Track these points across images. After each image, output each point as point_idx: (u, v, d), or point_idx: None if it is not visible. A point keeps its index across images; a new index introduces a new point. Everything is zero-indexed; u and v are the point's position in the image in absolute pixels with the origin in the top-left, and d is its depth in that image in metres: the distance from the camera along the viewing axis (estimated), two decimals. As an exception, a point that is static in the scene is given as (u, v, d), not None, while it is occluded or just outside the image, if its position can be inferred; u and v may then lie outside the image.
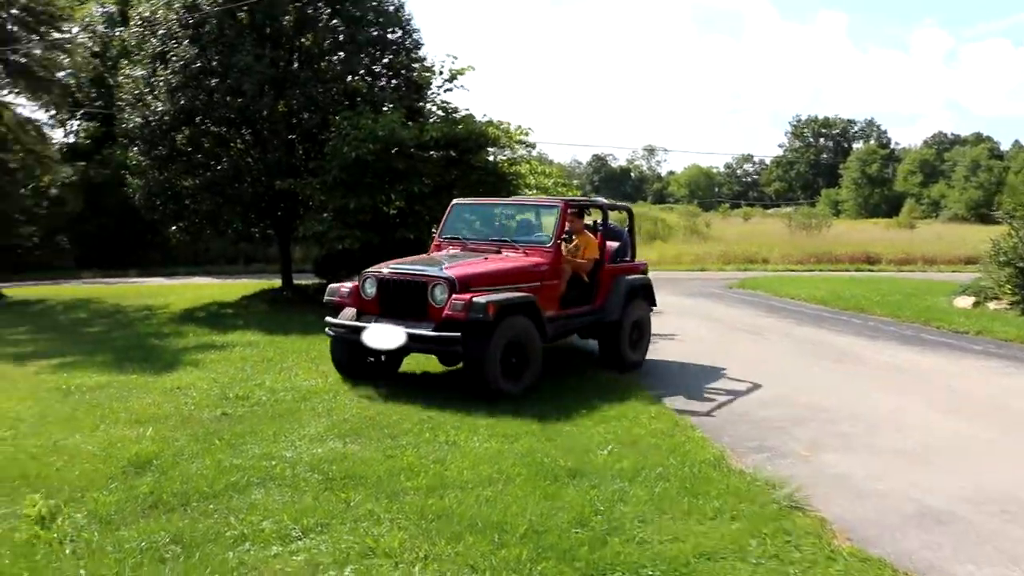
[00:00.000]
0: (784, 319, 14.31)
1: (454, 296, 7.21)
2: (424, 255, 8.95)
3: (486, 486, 5.07)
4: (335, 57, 14.82)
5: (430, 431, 6.29)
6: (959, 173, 75.09)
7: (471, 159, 13.88)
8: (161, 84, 13.98)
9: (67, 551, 4.09)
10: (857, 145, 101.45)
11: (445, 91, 14.78)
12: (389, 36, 15.34)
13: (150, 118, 14.22)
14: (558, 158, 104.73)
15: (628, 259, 9.73)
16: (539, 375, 7.75)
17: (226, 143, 14.88)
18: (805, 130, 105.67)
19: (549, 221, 8.82)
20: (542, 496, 4.91)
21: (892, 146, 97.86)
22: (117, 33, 26.81)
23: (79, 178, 25.33)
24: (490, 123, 13.80)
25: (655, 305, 9.82)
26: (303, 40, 14.75)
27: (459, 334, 7.16)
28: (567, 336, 9.30)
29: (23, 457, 5.65)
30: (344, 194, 13.11)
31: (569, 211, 8.65)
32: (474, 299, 7.09)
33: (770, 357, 10.31)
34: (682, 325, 13.02)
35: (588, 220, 9.59)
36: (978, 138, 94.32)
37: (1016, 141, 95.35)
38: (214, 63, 13.69)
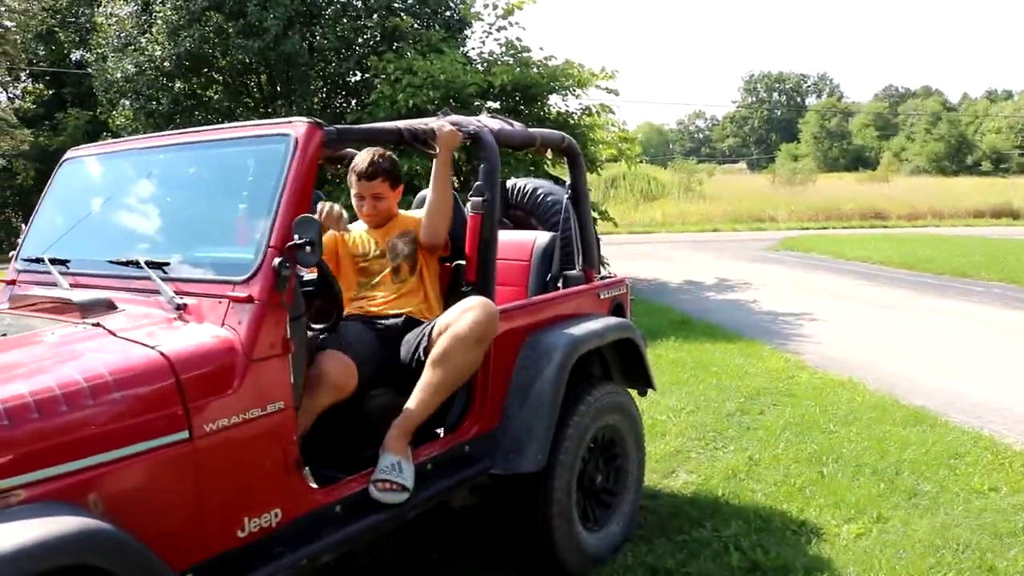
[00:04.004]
0: (892, 288, 12.33)
1: None
2: None
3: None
4: (364, -11, 12.33)
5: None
6: (920, 126, 74.37)
7: (540, 109, 11.62)
8: (159, 23, 11.36)
9: None
10: (811, 100, 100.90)
11: (498, 29, 12.32)
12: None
13: (144, 66, 11.60)
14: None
15: (577, 269, 3.86)
16: None
17: (241, 95, 12.32)
18: (758, 85, 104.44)
19: (266, 188, 2.57)
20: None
21: (844, 100, 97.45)
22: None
23: (30, 147, 22.29)
24: (569, 64, 11.47)
25: (651, 386, 3.95)
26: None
27: None
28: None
29: None
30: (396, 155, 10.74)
31: (370, 166, 3.28)
32: None
33: (966, 345, 8.32)
34: (797, 301, 11.00)
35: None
36: (927, 91, 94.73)
37: (965, 93, 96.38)
38: (225, -5, 11.10)
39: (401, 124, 3.18)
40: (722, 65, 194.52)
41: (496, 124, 3.52)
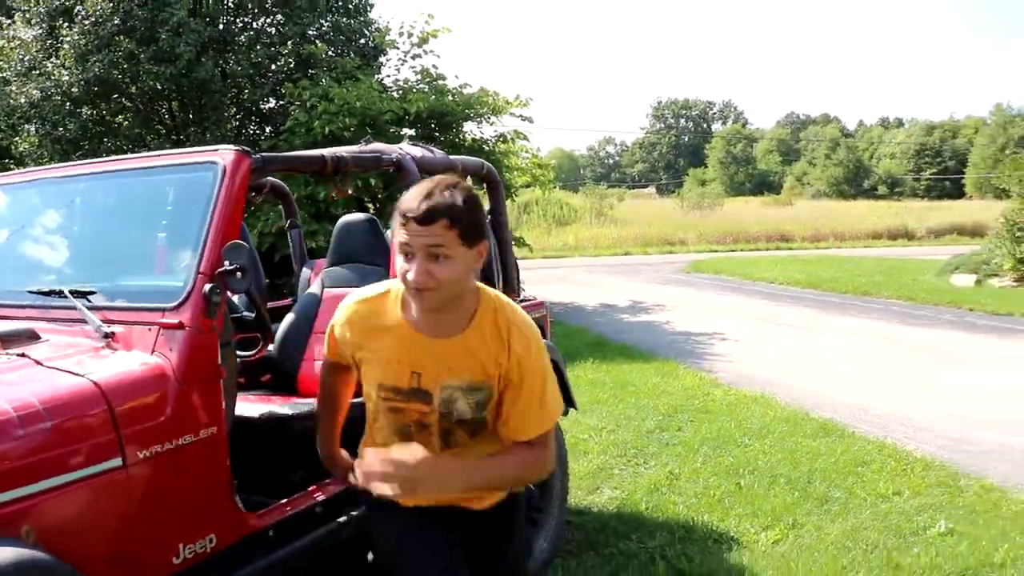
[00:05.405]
0: (799, 307, 12.82)
1: None
2: None
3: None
4: (277, 17, 12.28)
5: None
6: (820, 152, 77.21)
7: (455, 136, 11.74)
8: (66, 47, 11.09)
9: None
10: (716, 126, 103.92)
11: (413, 57, 12.43)
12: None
13: (50, 91, 11.30)
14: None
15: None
16: None
17: (152, 121, 12.08)
18: (666, 112, 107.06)
19: (194, 215, 2.57)
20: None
21: (749, 126, 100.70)
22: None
23: (-78, 173, 21.38)
24: (484, 91, 11.63)
25: (572, 405, 3.80)
26: (239, -6, 12.12)
27: None
28: None
29: None
30: (307, 180, 10.68)
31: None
32: None
33: (869, 361, 8.70)
34: (709, 321, 11.33)
35: None
36: (826, 118, 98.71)
37: (861, 121, 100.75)
38: (135, 20, 10.90)
39: (326, 152, 3.16)
40: (631, 92, 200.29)
41: (418, 151, 3.58)
